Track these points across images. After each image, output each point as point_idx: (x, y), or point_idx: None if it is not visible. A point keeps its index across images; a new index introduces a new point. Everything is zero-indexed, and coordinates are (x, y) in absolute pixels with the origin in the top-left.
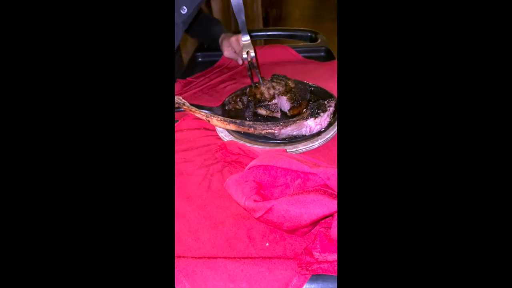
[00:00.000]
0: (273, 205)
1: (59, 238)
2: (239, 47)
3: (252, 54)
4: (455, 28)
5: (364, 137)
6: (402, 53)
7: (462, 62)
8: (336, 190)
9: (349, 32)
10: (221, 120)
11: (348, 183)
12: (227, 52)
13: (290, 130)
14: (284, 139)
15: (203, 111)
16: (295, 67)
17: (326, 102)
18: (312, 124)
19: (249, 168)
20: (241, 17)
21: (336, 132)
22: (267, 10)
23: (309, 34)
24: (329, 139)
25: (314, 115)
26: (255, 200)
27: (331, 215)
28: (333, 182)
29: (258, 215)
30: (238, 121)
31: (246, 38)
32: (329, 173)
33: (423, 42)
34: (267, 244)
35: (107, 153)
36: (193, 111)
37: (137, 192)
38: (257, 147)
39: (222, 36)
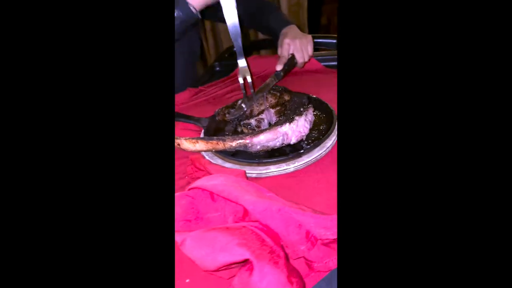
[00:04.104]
0: (184, 239)
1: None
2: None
3: (249, 79)
4: (459, 41)
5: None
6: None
7: (466, 76)
8: (265, 231)
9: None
10: (189, 140)
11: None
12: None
13: (265, 139)
14: (260, 151)
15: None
16: (313, 77)
17: (302, 109)
18: (288, 131)
19: (190, 188)
20: (238, 41)
21: (318, 157)
22: (329, 18)
23: (335, 41)
24: (309, 163)
25: (289, 120)
26: (176, 230)
27: (240, 262)
28: (268, 221)
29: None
30: (205, 137)
31: (243, 63)
32: (267, 208)
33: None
34: (188, 280)
35: (103, 167)
36: None
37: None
38: (229, 165)
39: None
